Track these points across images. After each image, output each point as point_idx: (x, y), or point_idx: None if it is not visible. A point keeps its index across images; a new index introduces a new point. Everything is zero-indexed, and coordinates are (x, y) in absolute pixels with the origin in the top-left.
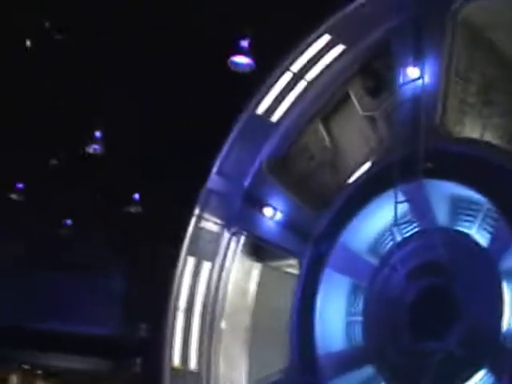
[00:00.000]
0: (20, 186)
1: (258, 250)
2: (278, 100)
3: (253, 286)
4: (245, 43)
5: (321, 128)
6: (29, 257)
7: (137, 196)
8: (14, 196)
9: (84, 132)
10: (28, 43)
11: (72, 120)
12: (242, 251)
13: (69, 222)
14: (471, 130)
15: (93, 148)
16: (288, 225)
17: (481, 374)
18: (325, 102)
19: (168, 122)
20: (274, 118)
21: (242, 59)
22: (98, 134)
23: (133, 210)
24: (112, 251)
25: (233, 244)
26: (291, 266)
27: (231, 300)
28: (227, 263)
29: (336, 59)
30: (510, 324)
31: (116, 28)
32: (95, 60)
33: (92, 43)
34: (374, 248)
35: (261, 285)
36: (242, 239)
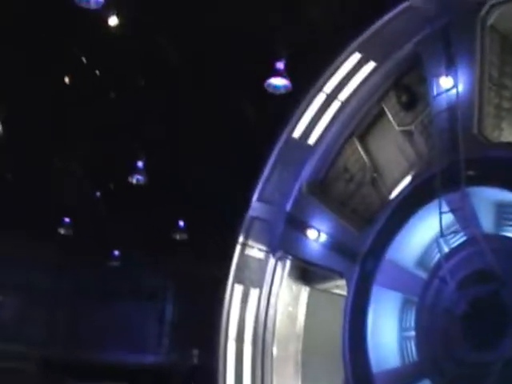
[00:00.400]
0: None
1: (305, 273)
2: (313, 122)
3: (302, 310)
4: (281, 65)
5: (358, 147)
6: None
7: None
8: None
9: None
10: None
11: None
12: (288, 276)
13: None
14: (510, 134)
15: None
16: (333, 245)
17: None
18: (360, 121)
19: (208, 148)
20: (311, 140)
21: (279, 81)
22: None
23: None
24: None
25: (279, 269)
26: (339, 287)
27: (281, 325)
28: (275, 289)
29: (368, 77)
30: None
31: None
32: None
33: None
34: (421, 261)
35: (310, 307)
36: (288, 264)
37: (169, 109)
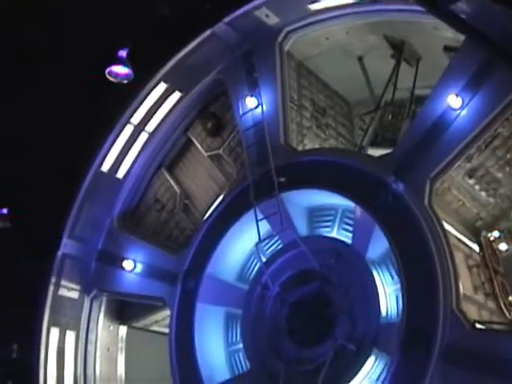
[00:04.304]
0: None
1: (122, 311)
2: (121, 155)
3: (122, 350)
4: (123, 54)
5: (167, 177)
6: None
7: None
8: None
9: None
10: None
11: None
12: (105, 315)
13: None
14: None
15: None
16: (150, 273)
17: (371, 361)
18: (168, 151)
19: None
20: (120, 173)
21: (120, 69)
22: None
23: None
24: None
25: (95, 309)
26: (157, 323)
27: (101, 367)
28: (92, 330)
29: (174, 107)
30: (386, 306)
31: None
32: None
33: None
34: (242, 273)
35: (130, 346)
36: (104, 302)
37: None
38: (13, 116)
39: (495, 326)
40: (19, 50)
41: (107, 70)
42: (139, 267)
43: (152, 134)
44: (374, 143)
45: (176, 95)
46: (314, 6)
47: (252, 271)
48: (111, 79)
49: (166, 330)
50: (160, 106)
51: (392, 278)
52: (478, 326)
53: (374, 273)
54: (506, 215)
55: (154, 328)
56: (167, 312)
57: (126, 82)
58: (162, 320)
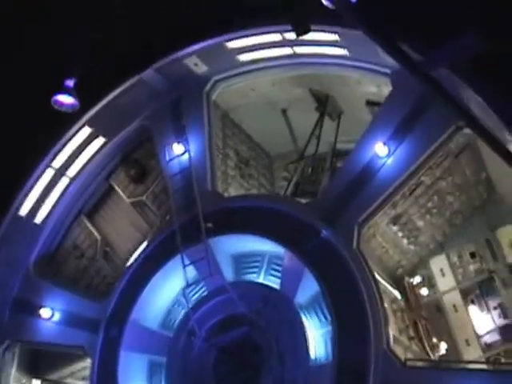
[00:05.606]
0: None
1: (35, 363)
2: (40, 199)
3: None
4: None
5: (87, 224)
6: None
7: None
8: None
9: None
10: None
11: None
12: (17, 368)
13: None
14: None
15: None
16: (69, 321)
17: None
18: (88, 198)
19: None
20: (38, 219)
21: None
22: None
23: None
24: None
25: (8, 361)
26: (73, 375)
27: None
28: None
29: (96, 153)
30: (315, 349)
31: None
32: None
33: None
34: (167, 320)
35: None
36: (17, 354)
37: None
38: None
39: (424, 364)
40: None
41: (53, 99)
42: (57, 315)
43: (73, 179)
44: (295, 195)
45: (100, 140)
46: (242, 57)
47: (177, 318)
48: (56, 108)
49: (80, 383)
50: (83, 150)
51: (320, 321)
52: (409, 363)
53: (303, 317)
54: (423, 263)
55: (69, 380)
56: (84, 363)
57: (70, 111)
58: (78, 372)
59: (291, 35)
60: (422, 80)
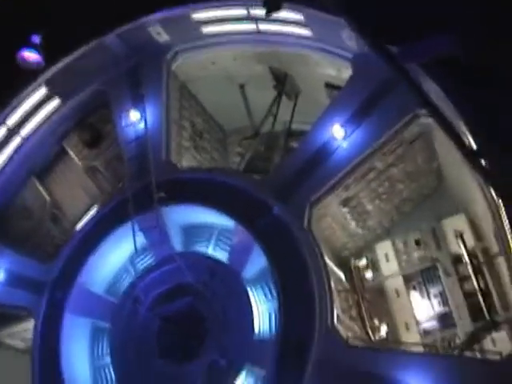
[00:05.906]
0: None
1: None
2: None
3: None
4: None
5: (37, 185)
6: None
7: None
8: None
9: None
10: None
11: None
12: None
13: None
14: None
15: None
16: (15, 282)
17: (242, 377)
18: (41, 159)
19: None
20: None
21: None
22: None
23: None
24: None
25: None
26: (11, 336)
27: None
28: None
29: (51, 114)
30: (259, 323)
31: None
32: None
33: None
34: (113, 286)
35: None
36: None
37: None
38: None
39: (365, 344)
40: None
41: (18, 53)
42: (2, 275)
43: (26, 139)
44: (247, 171)
45: (55, 102)
46: (206, 30)
47: (124, 285)
48: (19, 63)
49: (19, 344)
50: (38, 110)
51: (266, 296)
52: (351, 342)
53: (249, 291)
54: (369, 247)
55: (8, 341)
56: (24, 325)
57: (33, 68)
58: (17, 333)
59: (257, 11)
60: (392, 67)
